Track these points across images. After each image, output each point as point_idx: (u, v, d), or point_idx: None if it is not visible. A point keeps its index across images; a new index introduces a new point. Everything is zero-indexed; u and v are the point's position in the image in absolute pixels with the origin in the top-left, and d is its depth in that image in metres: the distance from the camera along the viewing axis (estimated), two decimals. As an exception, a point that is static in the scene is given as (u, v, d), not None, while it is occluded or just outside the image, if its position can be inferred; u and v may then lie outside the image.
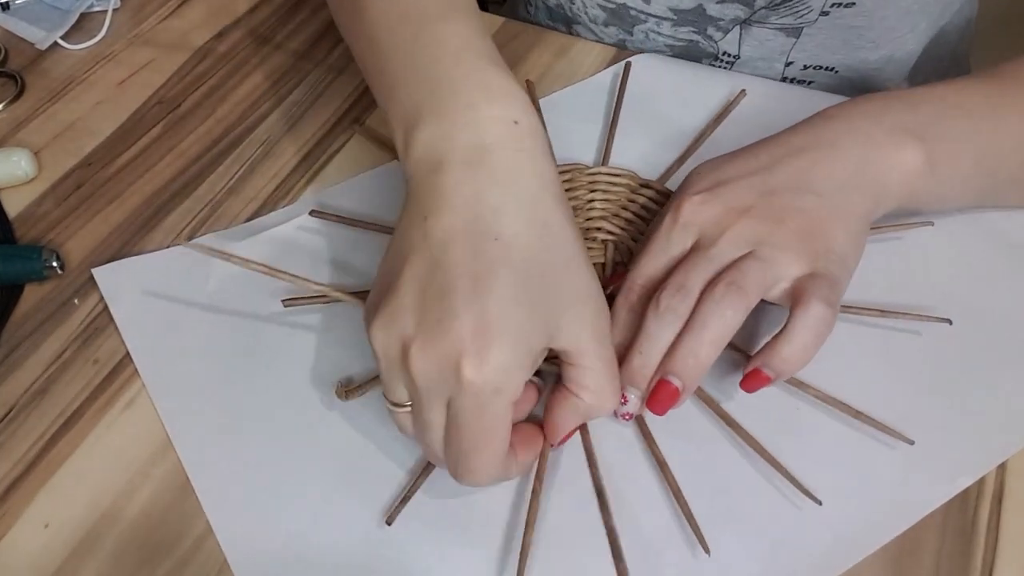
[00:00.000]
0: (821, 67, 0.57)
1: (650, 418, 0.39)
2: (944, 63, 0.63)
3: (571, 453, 0.39)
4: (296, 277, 0.38)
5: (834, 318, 0.36)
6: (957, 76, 0.62)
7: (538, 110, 0.51)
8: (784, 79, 0.58)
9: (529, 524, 0.36)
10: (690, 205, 0.38)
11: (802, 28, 0.54)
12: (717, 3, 0.54)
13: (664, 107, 0.52)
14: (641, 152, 0.50)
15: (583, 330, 0.34)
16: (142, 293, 0.45)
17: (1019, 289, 0.43)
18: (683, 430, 0.39)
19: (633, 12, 0.57)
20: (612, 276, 0.43)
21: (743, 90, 0.52)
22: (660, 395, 0.36)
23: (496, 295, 0.32)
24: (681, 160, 0.49)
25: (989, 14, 0.71)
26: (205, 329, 0.43)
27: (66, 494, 0.39)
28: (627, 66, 0.54)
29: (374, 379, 0.39)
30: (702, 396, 0.40)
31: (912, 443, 0.38)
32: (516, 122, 0.35)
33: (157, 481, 0.39)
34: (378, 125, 0.52)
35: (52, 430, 0.40)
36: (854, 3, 0.52)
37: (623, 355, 0.37)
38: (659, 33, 0.58)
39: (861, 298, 0.42)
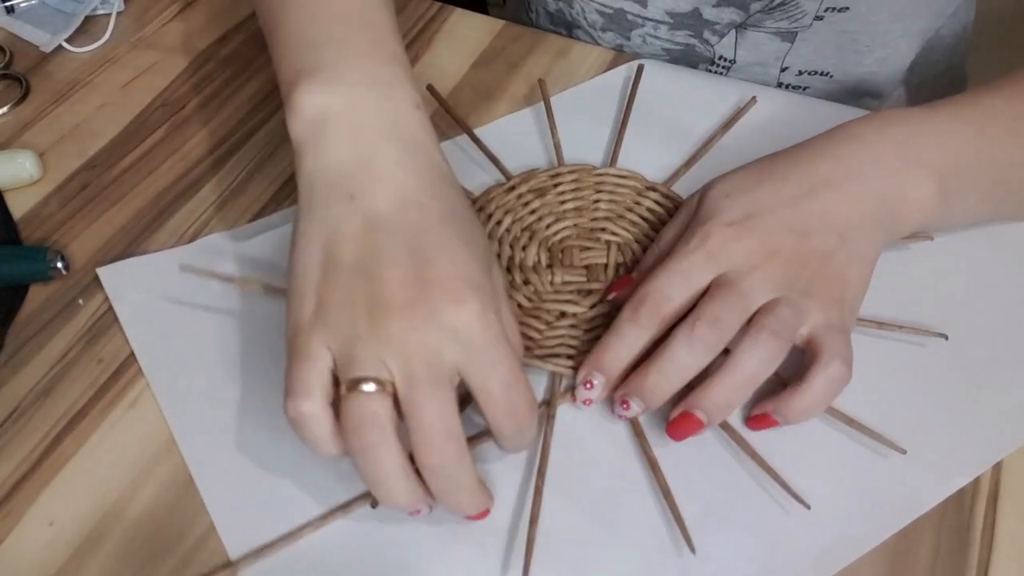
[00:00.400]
0: (816, 72, 0.57)
1: (643, 418, 0.40)
2: (939, 68, 0.63)
3: (570, 454, 0.39)
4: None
5: (849, 377, 0.36)
6: (952, 82, 0.63)
7: (548, 109, 0.52)
8: (780, 84, 0.59)
9: (533, 519, 0.36)
10: (721, 237, 0.38)
11: (797, 32, 0.55)
12: (713, 7, 0.55)
13: (671, 111, 0.52)
14: (647, 155, 0.50)
15: (499, 270, 0.38)
16: (146, 293, 0.45)
17: (1013, 293, 0.44)
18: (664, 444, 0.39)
19: (630, 16, 0.57)
20: (615, 283, 0.43)
21: (754, 97, 0.52)
22: (684, 426, 0.37)
23: (457, 246, 0.35)
24: (688, 164, 0.49)
25: (986, 21, 0.71)
26: (209, 328, 0.44)
27: (70, 492, 0.39)
28: (640, 68, 0.54)
29: None
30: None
31: (904, 452, 0.38)
32: (417, 106, 0.38)
33: (161, 480, 0.39)
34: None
35: (57, 429, 0.41)
36: (848, 7, 0.53)
37: (621, 367, 0.38)
38: (656, 37, 0.58)
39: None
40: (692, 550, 0.36)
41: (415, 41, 0.59)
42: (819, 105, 0.52)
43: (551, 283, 0.44)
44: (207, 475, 0.39)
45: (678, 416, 0.37)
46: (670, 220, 0.44)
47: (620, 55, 0.56)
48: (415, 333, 0.33)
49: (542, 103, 0.52)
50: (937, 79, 0.64)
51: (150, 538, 0.37)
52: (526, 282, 0.44)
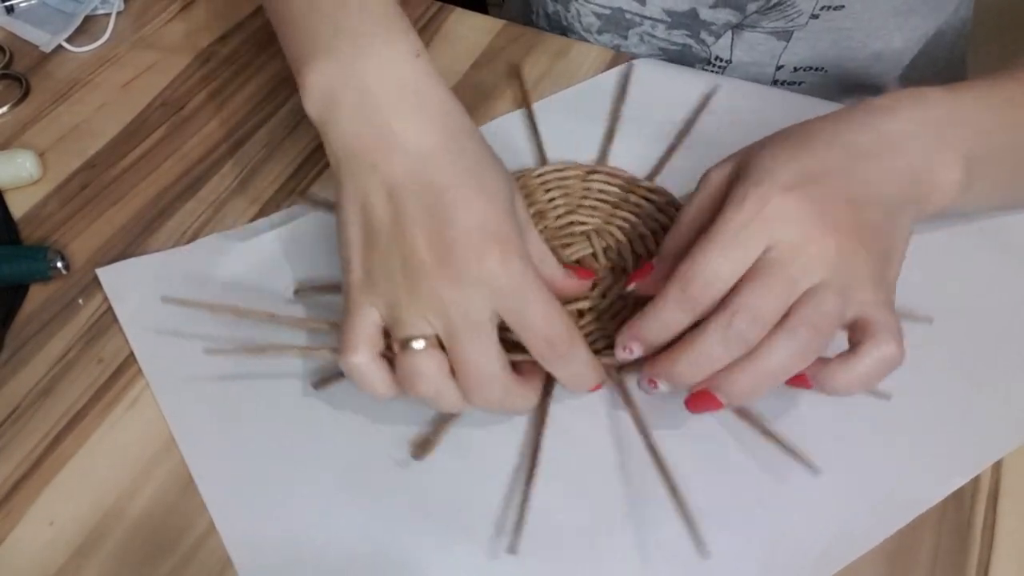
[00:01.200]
0: (811, 68, 0.57)
1: (647, 412, 0.40)
2: (940, 63, 0.63)
3: (564, 445, 0.39)
4: (272, 316, 0.41)
5: (902, 359, 0.35)
6: (952, 77, 0.63)
7: (527, 107, 0.52)
8: (775, 82, 0.59)
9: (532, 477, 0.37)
10: (782, 201, 0.35)
11: (792, 31, 0.55)
12: (710, 7, 0.55)
13: (660, 111, 0.52)
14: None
15: (523, 206, 0.40)
16: (146, 293, 0.45)
17: (1013, 290, 0.44)
18: (679, 424, 0.39)
19: (628, 15, 0.58)
20: (635, 272, 0.42)
21: (716, 84, 0.53)
22: (703, 402, 0.36)
23: (475, 198, 0.36)
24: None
25: (986, 14, 0.71)
26: (209, 329, 0.44)
27: (70, 492, 0.39)
28: (630, 66, 0.54)
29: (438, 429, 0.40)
30: None
31: (819, 472, 0.38)
32: (417, 55, 0.39)
33: (160, 479, 0.39)
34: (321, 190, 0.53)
35: (57, 429, 0.41)
36: (843, 5, 0.53)
37: (660, 343, 0.36)
38: (653, 36, 0.58)
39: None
40: (704, 550, 0.35)
41: (415, 41, 0.59)
42: (819, 105, 0.52)
43: None
44: (207, 475, 0.39)
45: (699, 393, 0.36)
46: (689, 199, 0.40)
47: (619, 55, 0.56)
48: (447, 290, 0.35)
49: (535, 104, 0.52)
50: (936, 76, 0.64)
51: (150, 538, 0.37)
52: None
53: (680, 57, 0.59)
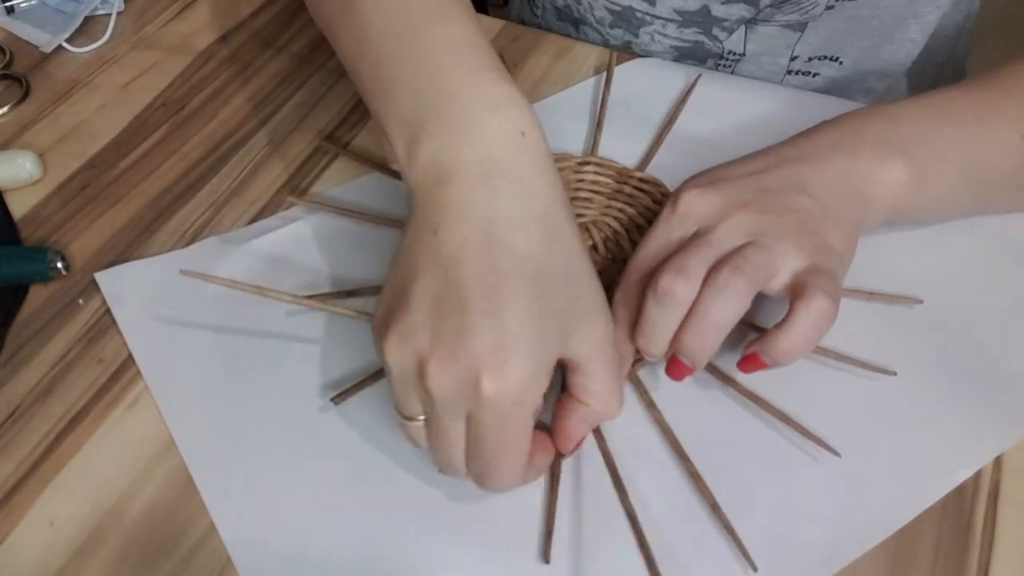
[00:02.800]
0: (826, 57, 0.57)
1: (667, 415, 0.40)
2: (940, 59, 0.63)
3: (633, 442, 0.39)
4: (294, 296, 0.39)
5: (835, 312, 0.36)
6: (954, 75, 0.62)
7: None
8: (789, 72, 0.58)
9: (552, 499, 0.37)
10: (688, 196, 0.38)
11: (807, 23, 0.55)
12: (722, 3, 0.54)
13: (645, 105, 0.53)
14: (616, 143, 0.51)
15: (594, 340, 0.34)
16: (145, 297, 0.45)
17: (1014, 284, 0.44)
18: (680, 426, 0.39)
19: (639, 14, 0.57)
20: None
21: (700, 74, 0.54)
22: (673, 369, 0.37)
23: (512, 309, 0.32)
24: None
25: (990, 12, 0.71)
26: (208, 332, 0.44)
27: (71, 492, 0.39)
28: (612, 58, 0.55)
29: (363, 381, 0.40)
30: (709, 370, 0.41)
31: (839, 455, 0.38)
32: (523, 134, 0.35)
33: (161, 480, 0.39)
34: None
35: (57, 429, 0.41)
36: None
37: (658, 347, 0.38)
38: (664, 35, 0.58)
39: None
40: (754, 568, 0.35)
41: (415, 41, 0.59)
42: (815, 99, 0.53)
43: None
44: (207, 476, 0.39)
45: (669, 361, 0.38)
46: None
47: (622, 54, 0.56)
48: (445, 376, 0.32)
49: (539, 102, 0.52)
50: (939, 70, 0.64)
51: (150, 538, 0.37)
52: None
53: (692, 53, 0.59)
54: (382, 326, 0.34)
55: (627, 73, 0.55)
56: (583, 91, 0.54)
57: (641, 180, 0.48)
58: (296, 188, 0.50)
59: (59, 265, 0.46)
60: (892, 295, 0.43)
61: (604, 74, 0.55)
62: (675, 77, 0.54)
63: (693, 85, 0.53)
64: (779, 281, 0.37)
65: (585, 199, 0.48)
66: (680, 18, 0.56)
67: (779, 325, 0.36)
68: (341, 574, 0.36)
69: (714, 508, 0.37)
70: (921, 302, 0.42)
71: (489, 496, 0.38)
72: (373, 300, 0.43)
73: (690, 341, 0.36)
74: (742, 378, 0.40)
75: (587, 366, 0.34)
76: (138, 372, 0.42)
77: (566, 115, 0.53)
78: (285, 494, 0.38)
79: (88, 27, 0.60)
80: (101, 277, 0.46)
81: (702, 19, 0.56)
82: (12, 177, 0.50)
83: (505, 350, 0.31)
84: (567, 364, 0.35)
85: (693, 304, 0.36)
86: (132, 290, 0.45)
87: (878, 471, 0.38)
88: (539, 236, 0.34)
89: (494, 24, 0.59)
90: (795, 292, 0.36)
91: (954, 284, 0.44)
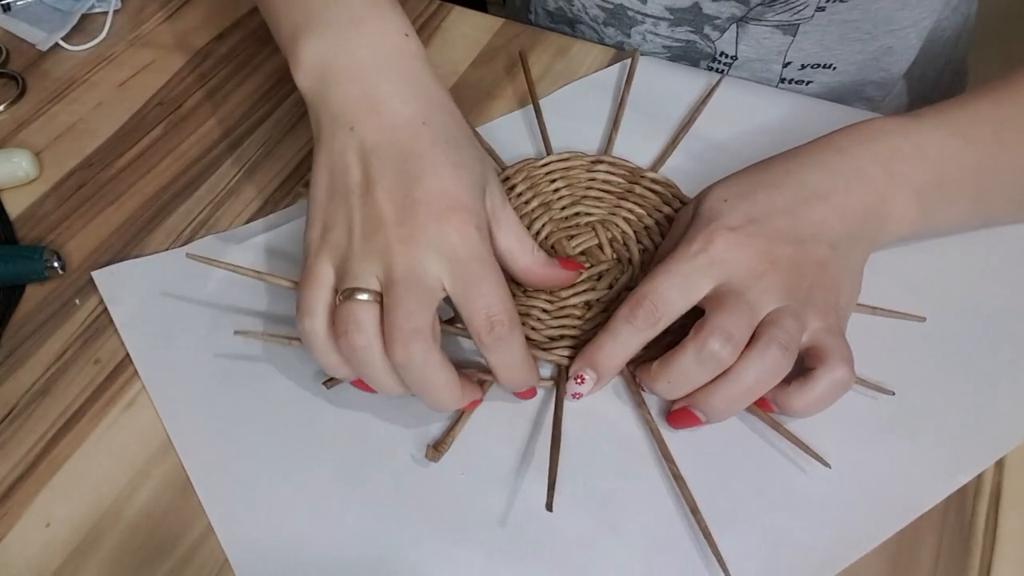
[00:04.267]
0: (819, 65, 0.57)
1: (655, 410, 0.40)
2: (940, 61, 0.63)
3: (575, 453, 0.39)
4: (295, 282, 0.39)
5: (852, 382, 0.37)
6: (953, 76, 0.62)
7: (532, 96, 0.52)
8: (782, 80, 0.58)
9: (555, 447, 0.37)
10: (725, 242, 0.38)
11: (798, 25, 0.54)
12: (713, 1, 0.54)
13: (663, 105, 0.52)
14: (636, 146, 0.50)
15: (499, 191, 0.40)
16: (142, 295, 0.45)
17: (1013, 286, 0.44)
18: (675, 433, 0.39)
19: (631, 13, 0.57)
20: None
21: (720, 78, 0.53)
22: (682, 419, 0.38)
23: (445, 168, 0.37)
24: (666, 152, 0.50)
25: (989, 14, 0.71)
26: (204, 331, 0.43)
27: (67, 494, 0.39)
28: (635, 59, 0.54)
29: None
30: None
31: (829, 467, 0.38)
32: (407, 35, 0.41)
33: (158, 481, 0.39)
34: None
35: (53, 430, 0.41)
36: None
37: (614, 366, 0.38)
38: (656, 34, 0.58)
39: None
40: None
41: (413, 39, 0.58)
42: (818, 104, 0.52)
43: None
44: (204, 476, 0.39)
45: (679, 410, 0.38)
46: (668, 232, 0.44)
47: (620, 52, 0.56)
48: (401, 246, 0.36)
49: (532, 105, 0.52)
50: (939, 73, 0.63)
51: (147, 539, 0.37)
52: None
53: (684, 53, 0.59)
54: (332, 216, 0.38)
55: (644, 73, 0.54)
56: (587, 86, 0.54)
57: (653, 181, 0.47)
58: (294, 187, 0.50)
59: (55, 264, 0.46)
60: (895, 312, 0.42)
61: (609, 68, 0.55)
62: (692, 79, 0.54)
63: (714, 88, 0.53)
64: (801, 342, 0.37)
65: (595, 198, 0.47)
66: (671, 16, 0.56)
67: (799, 384, 0.37)
68: (339, 574, 0.36)
69: (694, 512, 0.36)
70: (923, 320, 0.42)
71: (489, 496, 0.38)
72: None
73: (718, 403, 0.37)
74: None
75: (499, 213, 0.39)
76: (135, 372, 0.42)
77: (574, 111, 0.52)
78: (284, 495, 0.38)
79: (85, 25, 0.60)
80: (98, 276, 0.46)
81: (693, 17, 0.56)
82: (8, 176, 0.50)
83: (453, 200, 0.37)
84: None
85: (734, 369, 0.36)
86: (129, 289, 0.45)
87: (877, 475, 0.38)
88: (441, 109, 0.40)
89: (494, 23, 0.59)
90: (815, 356, 0.37)
91: (950, 289, 0.44)
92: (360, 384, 0.39)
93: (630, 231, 0.46)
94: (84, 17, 0.60)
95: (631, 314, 0.37)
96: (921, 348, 0.42)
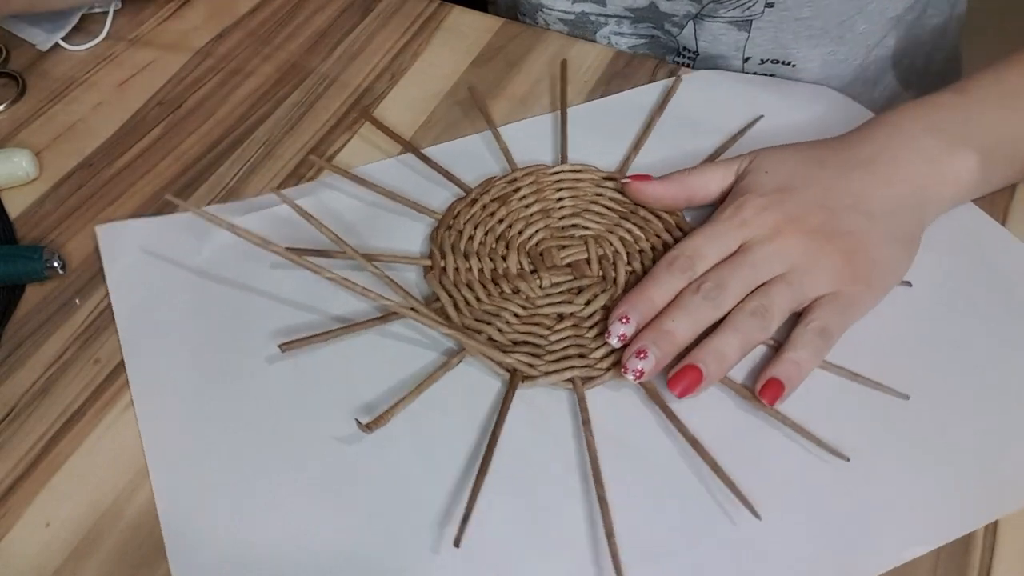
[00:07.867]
0: (779, 61, 0.57)
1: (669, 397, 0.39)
2: (926, 47, 0.63)
3: (565, 455, 0.39)
4: (287, 251, 0.40)
5: (827, 344, 0.39)
6: (946, 63, 0.62)
7: (563, 105, 0.53)
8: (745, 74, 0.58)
9: (609, 533, 0.35)
10: (753, 207, 0.41)
11: (751, 21, 0.55)
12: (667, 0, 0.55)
13: (693, 133, 0.51)
14: (592, 147, 0.51)
15: None
16: (139, 254, 0.46)
17: (997, 360, 0.41)
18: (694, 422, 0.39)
19: (593, 18, 0.58)
20: (638, 176, 0.46)
21: (679, 76, 0.54)
22: (685, 377, 0.38)
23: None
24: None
25: (980, 7, 0.71)
26: (191, 296, 0.44)
27: (67, 494, 0.39)
28: (678, 80, 0.54)
29: (317, 335, 0.41)
30: (725, 381, 0.40)
31: (847, 459, 0.37)
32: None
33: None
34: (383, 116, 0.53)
35: (53, 430, 0.41)
36: None
37: (653, 308, 0.40)
38: (620, 33, 0.58)
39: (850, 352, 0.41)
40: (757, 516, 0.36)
41: (413, 39, 0.58)
42: (839, 98, 0.53)
43: (540, 287, 0.44)
44: (156, 441, 0.40)
45: (683, 368, 0.39)
46: (712, 165, 0.46)
47: (620, 53, 0.56)
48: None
49: (560, 113, 0.52)
50: (927, 60, 0.63)
51: (147, 540, 0.37)
52: (516, 291, 0.44)
53: (651, 49, 0.59)
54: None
55: (687, 89, 0.54)
56: (620, 102, 0.53)
57: (619, 182, 0.47)
58: (294, 187, 0.50)
59: (55, 264, 0.45)
60: (878, 384, 0.40)
61: (651, 86, 0.54)
62: (725, 97, 0.53)
63: (752, 124, 0.51)
64: (805, 299, 0.40)
65: (597, 213, 0.47)
66: (632, 15, 0.57)
67: (781, 348, 0.39)
68: (284, 570, 0.36)
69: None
70: (907, 398, 0.39)
71: (438, 485, 0.38)
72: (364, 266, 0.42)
73: (712, 351, 0.38)
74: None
75: None
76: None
77: (606, 127, 0.52)
78: (230, 479, 0.38)
79: (85, 25, 0.60)
80: (100, 230, 0.47)
81: (652, 15, 0.57)
82: (8, 176, 0.50)
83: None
84: None
85: (722, 321, 0.39)
86: (127, 247, 0.46)
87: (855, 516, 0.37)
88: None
89: (493, 23, 0.59)
90: (800, 315, 0.40)
91: (932, 352, 0.41)
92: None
93: (622, 251, 0.45)
94: (84, 17, 0.60)
95: (670, 265, 0.41)
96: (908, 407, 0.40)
